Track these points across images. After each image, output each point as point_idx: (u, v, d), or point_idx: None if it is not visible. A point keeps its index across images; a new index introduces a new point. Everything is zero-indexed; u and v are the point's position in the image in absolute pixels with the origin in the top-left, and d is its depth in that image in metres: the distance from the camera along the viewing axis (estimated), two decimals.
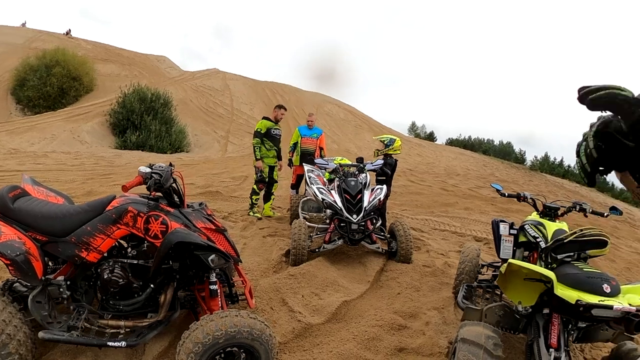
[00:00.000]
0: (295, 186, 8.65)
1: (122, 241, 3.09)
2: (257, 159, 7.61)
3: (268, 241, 6.22)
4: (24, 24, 41.81)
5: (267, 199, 8.10)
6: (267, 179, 7.82)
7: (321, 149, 8.47)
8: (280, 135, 8.01)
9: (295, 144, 8.48)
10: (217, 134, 29.07)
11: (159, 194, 3.00)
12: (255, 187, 7.74)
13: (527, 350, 2.93)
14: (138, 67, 38.59)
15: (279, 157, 8.07)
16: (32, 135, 19.77)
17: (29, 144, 18.50)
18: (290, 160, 8.54)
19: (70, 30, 42.79)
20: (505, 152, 48.12)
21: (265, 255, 5.55)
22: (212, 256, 2.88)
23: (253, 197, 7.81)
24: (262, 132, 7.68)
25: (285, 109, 8.15)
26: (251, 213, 7.77)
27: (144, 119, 23.84)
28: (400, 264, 5.54)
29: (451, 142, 52.47)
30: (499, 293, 4.20)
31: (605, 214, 4.05)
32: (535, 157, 48.61)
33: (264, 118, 7.93)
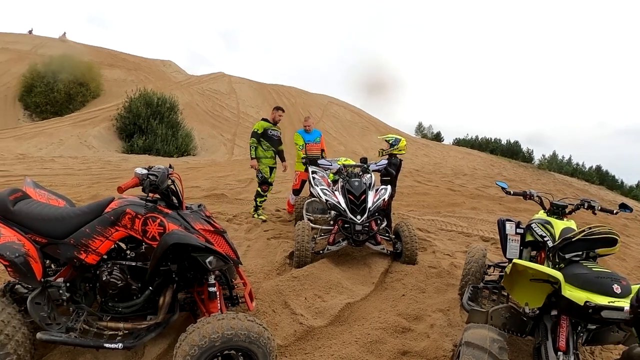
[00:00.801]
0: (298, 191, 8.30)
1: (121, 243, 3.08)
2: (251, 158, 7.61)
3: (272, 243, 6.19)
4: (30, 31, 42.10)
5: None
6: (269, 180, 7.77)
7: (322, 150, 8.32)
8: (278, 137, 7.96)
9: (303, 145, 8.17)
10: (223, 137, 29.14)
11: (157, 195, 2.98)
12: (259, 189, 7.72)
13: (535, 354, 2.85)
14: (144, 71, 38.80)
15: (282, 159, 8.06)
16: (39, 140, 19.94)
17: (37, 149, 18.65)
18: (304, 157, 7.99)
19: (65, 33, 43.01)
20: (512, 151, 47.87)
21: (269, 257, 5.53)
22: (210, 258, 2.85)
23: (258, 199, 7.77)
24: (259, 132, 7.67)
25: (283, 111, 8.12)
26: (255, 215, 7.73)
27: (151, 123, 23.98)
28: (406, 265, 5.48)
29: (458, 142, 52.28)
30: (505, 294, 4.10)
31: (615, 212, 3.94)
32: (543, 155, 48.41)
33: (262, 119, 7.92)
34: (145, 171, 2.85)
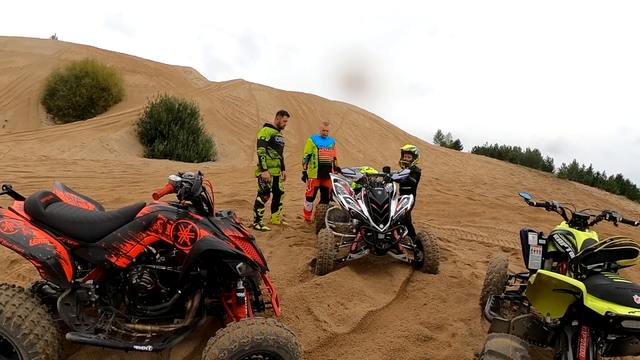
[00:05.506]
0: (312, 198, 8.25)
1: (151, 247, 3.13)
2: (263, 170, 7.16)
3: (294, 250, 6.24)
4: (54, 37, 42.80)
5: (274, 209, 7.87)
6: (271, 190, 7.47)
7: (334, 158, 8.19)
8: (284, 144, 7.71)
9: (309, 155, 8.06)
10: (243, 143, 29.36)
11: (189, 202, 3.03)
12: (259, 199, 7.31)
13: None
14: (165, 78, 39.12)
15: (283, 167, 7.72)
16: (62, 143, 20.28)
17: (60, 151, 18.99)
18: (304, 172, 8.12)
19: (55, 34, 43.61)
20: (532, 160, 47.50)
21: (291, 264, 5.58)
22: (240, 264, 2.89)
23: (258, 209, 7.36)
24: (267, 140, 7.28)
25: (288, 116, 7.70)
26: (257, 226, 7.38)
27: (172, 129, 24.32)
28: (427, 274, 5.49)
29: (477, 151, 51.97)
30: (527, 304, 4.13)
31: (636, 223, 3.96)
32: (564, 164, 48.01)
33: (266, 125, 7.55)
34: (179, 178, 2.90)
